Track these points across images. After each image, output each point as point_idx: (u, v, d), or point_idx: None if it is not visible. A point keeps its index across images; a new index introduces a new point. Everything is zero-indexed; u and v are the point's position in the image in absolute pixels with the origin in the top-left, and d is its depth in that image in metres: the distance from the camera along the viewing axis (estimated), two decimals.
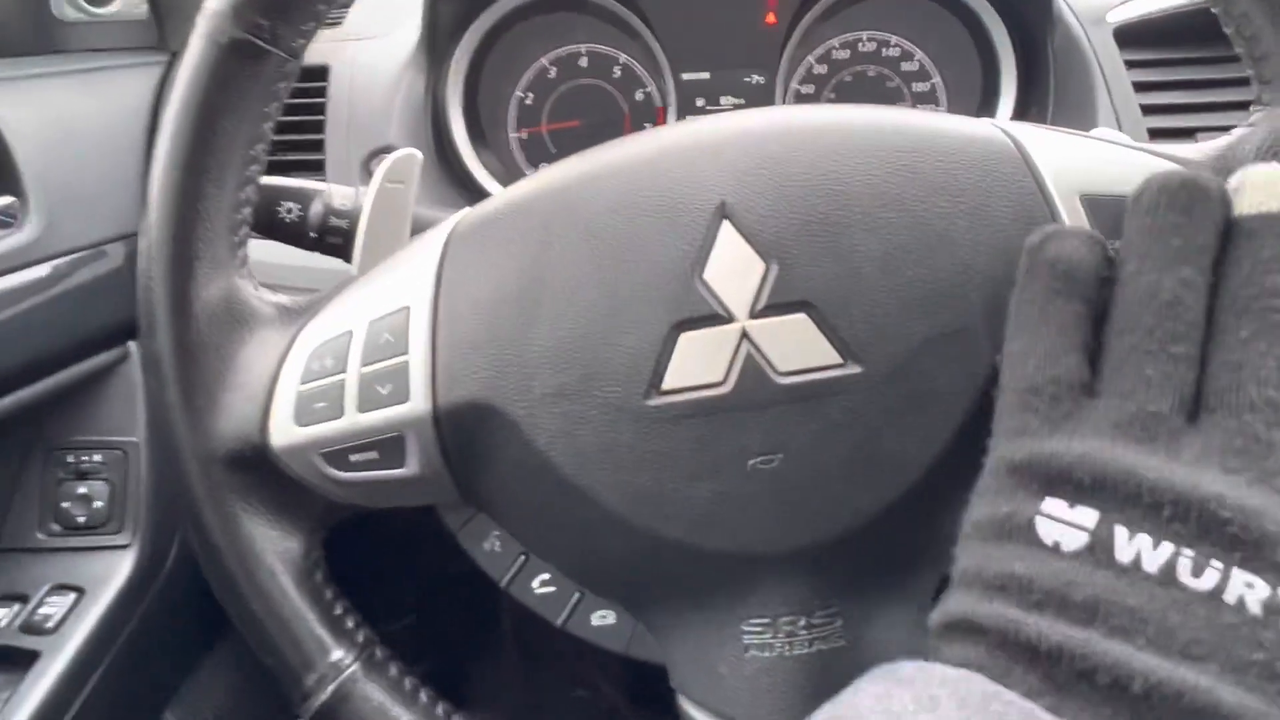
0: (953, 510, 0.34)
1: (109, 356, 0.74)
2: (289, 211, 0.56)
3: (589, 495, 0.38)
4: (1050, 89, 0.73)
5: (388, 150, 0.73)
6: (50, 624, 0.67)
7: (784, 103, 0.84)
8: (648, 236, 0.38)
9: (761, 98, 0.86)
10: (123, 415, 0.74)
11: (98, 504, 0.72)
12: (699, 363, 0.37)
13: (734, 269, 0.37)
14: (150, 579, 0.74)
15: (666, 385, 0.37)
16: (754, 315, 0.37)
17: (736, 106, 0.86)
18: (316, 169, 0.75)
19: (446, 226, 0.42)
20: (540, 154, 0.86)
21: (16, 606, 0.68)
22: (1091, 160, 0.38)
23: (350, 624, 0.44)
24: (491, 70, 0.83)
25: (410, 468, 0.40)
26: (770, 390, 0.37)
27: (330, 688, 0.42)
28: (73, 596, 0.69)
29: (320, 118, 0.76)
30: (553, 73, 0.85)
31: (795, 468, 0.37)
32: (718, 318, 0.37)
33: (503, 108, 0.85)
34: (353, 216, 0.57)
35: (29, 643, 0.66)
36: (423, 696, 0.44)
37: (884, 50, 0.84)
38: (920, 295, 0.36)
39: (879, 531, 0.38)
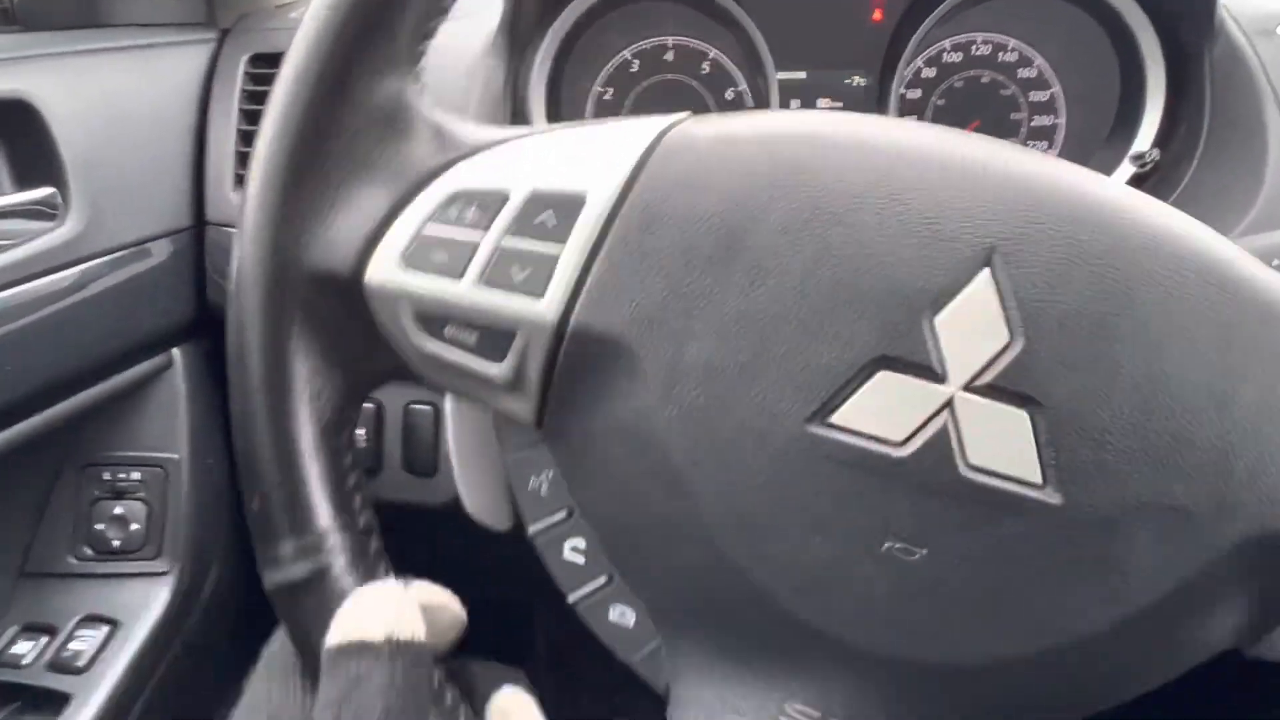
0: (1073, 692, 0.30)
1: (151, 365, 0.69)
2: None
3: (691, 496, 0.33)
4: (1206, 107, 0.66)
5: None
6: (81, 662, 0.61)
7: (889, 108, 0.77)
8: (892, 246, 0.31)
9: (862, 101, 0.79)
10: (164, 429, 0.68)
11: (134, 526, 0.67)
12: (885, 411, 0.31)
13: (973, 327, 0.31)
14: (188, 609, 0.68)
15: (838, 418, 0.32)
16: (970, 388, 0.31)
17: (834, 109, 0.79)
18: None
19: (659, 122, 0.35)
20: None
21: (44, 640, 0.63)
22: None
23: (356, 503, 0.37)
24: (574, 63, 0.77)
25: (505, 368, 0.34)
26: (949, 476, 0.31)
27: (308, 564, 0.35)
28: (105, 629, 0.64)
29: None
30: (635, 66, 0.79)
31: (934, 571, 0.32)
32: (930, 371, 0.31)
33: (580, 102, 0.79)
34: None
35: (58, 683, 0.60)
36: None
37: (1000, 55, 0.77)
38: (1163, 451, 0.30)
39: (984, 677, 0.33)
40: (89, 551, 0.67)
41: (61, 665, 0.61)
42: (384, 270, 0.35)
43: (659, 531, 0.34)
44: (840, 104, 0.79)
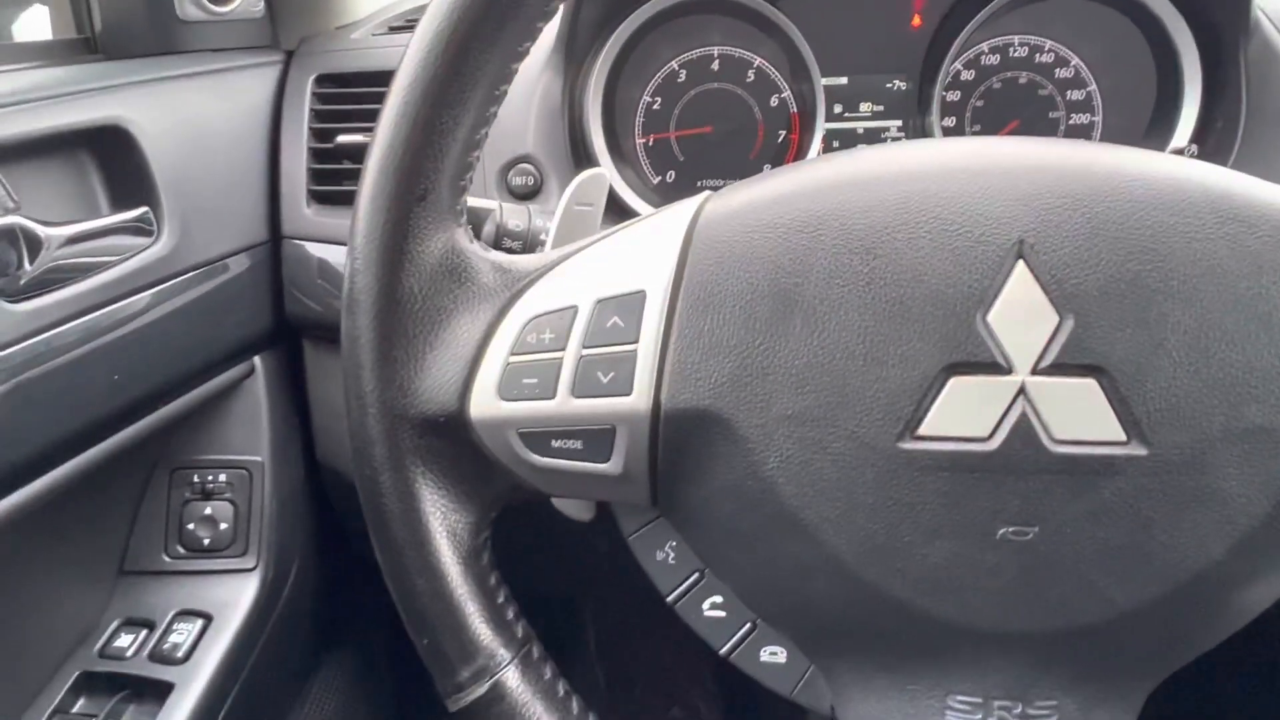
0: (1206, 623, 0.32)
1: (234, 373, 0.72)
2: None
3: (811, 532, 0.36)
4: (1243, 103, 0.68)
5: (525, 160, 0.72)
6: (180, 653, 0.65)
7: (930, 110, 0.79)
8: (930, 262, 0.34)
9: (903, 104, 0.81)
10: (247, 434, 0.72)
11: (223, 525, 0.70)
12: (966, 412, 0.34)
13: (1023, 316, 0.34)
14: (273, 603, 0.72)
15: (924, 430, 0.34)
16: (1037, 371, 0.34)
17: (876, 114, 0.82)
18: None
19: (690, 206, 0.39)
20: (667, 162, 0.82)
21: (144, 633, 0.66)
22: None
23: (510, 615, 0.41)
24: (626, 75, 0.80)
25: (613, 464, 0.38)
26: (1040, 456, 0.34)
27: (486, 684, 0.39)
28: (199, 623, 0.67)
29: None
30: (682, 76, 0.81)
31: (1050, 545, 0.34)
32: (996, 366, 0.34)
33: (630, 113, 0.81)
34: (526, 238, 0.55)
35: (161, 673, 0.64)
36: (574, 706, 0.42)
37: (1037, 56, 0.79)
38: (1227, 381, 0.33)
39: (1123, 629, 0.35)
40: (181, 550, 0.70)
41: (162, 657, 0.65)
42: (484, 405, 0.38)
43: (790, 572, 0.37)
44: (882, 107, 0.81)
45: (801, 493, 0.36)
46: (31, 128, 0.57)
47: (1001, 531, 0.34)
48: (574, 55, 0.75)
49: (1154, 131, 0.74)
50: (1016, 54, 0.79)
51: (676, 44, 0.80)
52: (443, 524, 0.39)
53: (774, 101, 0.81)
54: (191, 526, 0.70)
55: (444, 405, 0.38)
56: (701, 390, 0.36)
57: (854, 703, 0.39)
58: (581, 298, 0.38)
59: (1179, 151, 0.72)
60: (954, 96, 0.80)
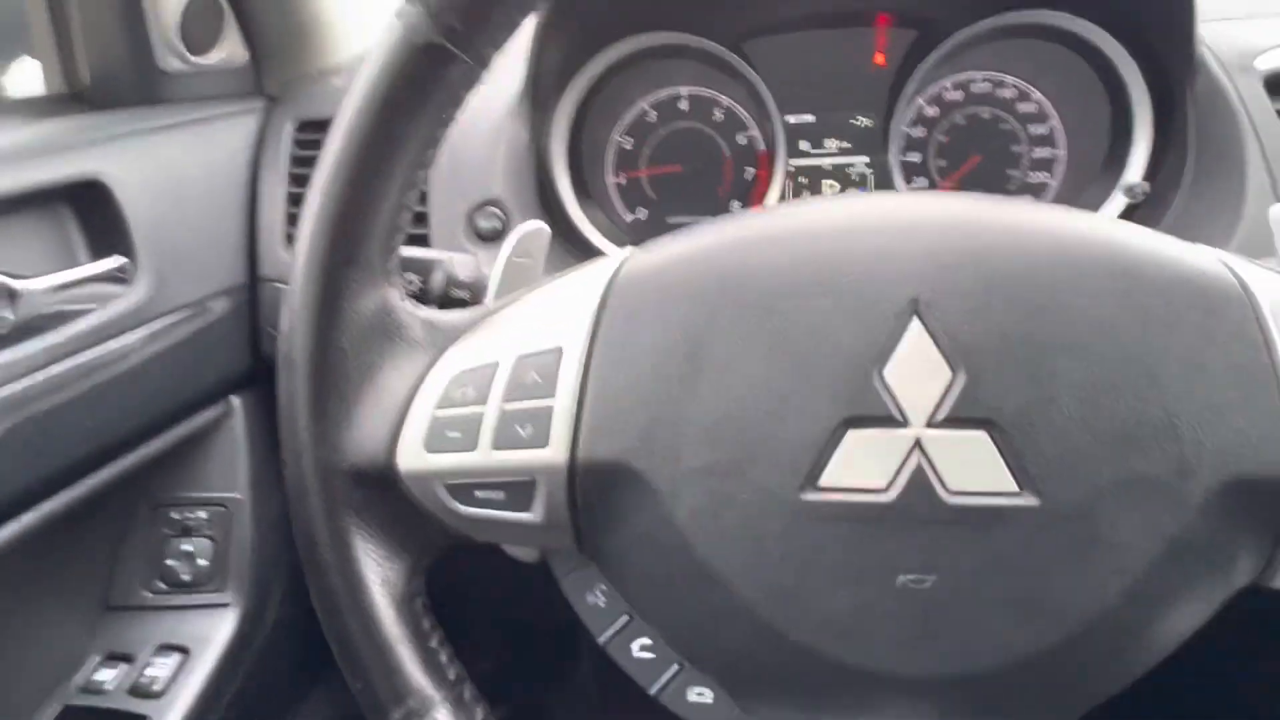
0: (1108, 667, 0.32)
1: (213, 413, 0.74)
2: (409, 283, 0.56)
3: (722, 581, 0.37)
4: (1191, 139, 0.69)
5: (492, 203, 0.73)
6: (157, 686, 0.67)
7: (894, 146, 0.80)
8: (827, 321, 0.35)
9: (869, 141, 0.83)
10: (225, 471, 0.74)
11: (202, 561, 0.72)
12: (864, 464, 0.35)
13: (918, 371, 0.35)
14: (251, 638, 0.73)
15: (825, 481, 0.35)
16: (931, 424, 0.35)
17: (843, 150, 0.83)
18: (419, 221, 0.74)
19: (608, 268, 0.40)
20: (638, 199, 0.84)
21: (124, 667, 0.68)
22: None
23: (443, 658, 0.42)
24: (593, 117, 0.82)
25: (535, 514, 0.39)
26: (936, 507, 0.35)
27: None
28: (178, 657, 0.69)
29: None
30: (652, 116, 0.83)
31: (948, 593, 0.35)
32: (892, 420, 0.35)
33: (600, 153, 0.83)
34: (473, 287, 0.56)
35: (138, 706, 0.66)
36: None
37: (999, 91, 0.80)
38: (1116, 435, 0.34)
39: (1023, 674, 0.36)
40: (162, 585, 0.72)
41: (140, 690, 0.66)
42: (412, 458, 0.39)
43: (707, 618, 0.38)
44: (848, 144, 0.83)
45: (712, 542, 0.36)
46: (12, 184, 0.59)
47: (901, 580, 0.35)
48: (539, 101, 0.76)
49: (1109, 167, 0.75)
50: (978, 89, 0.80)
51: (646, 86, 0.82)
52: (376, 572, 0.41)
53: (741, 140, 0.83)
54: (172, 562, 0.72)
55: (374, 458, 0.40)
56: (615, 444, 0.37)
57: None
58: (503, 354, 0.39)
59: (1131, 187, 0.73)
60: (919, 132, 0.81)
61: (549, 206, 0.78)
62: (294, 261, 0.40)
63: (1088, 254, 0.35)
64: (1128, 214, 0.74)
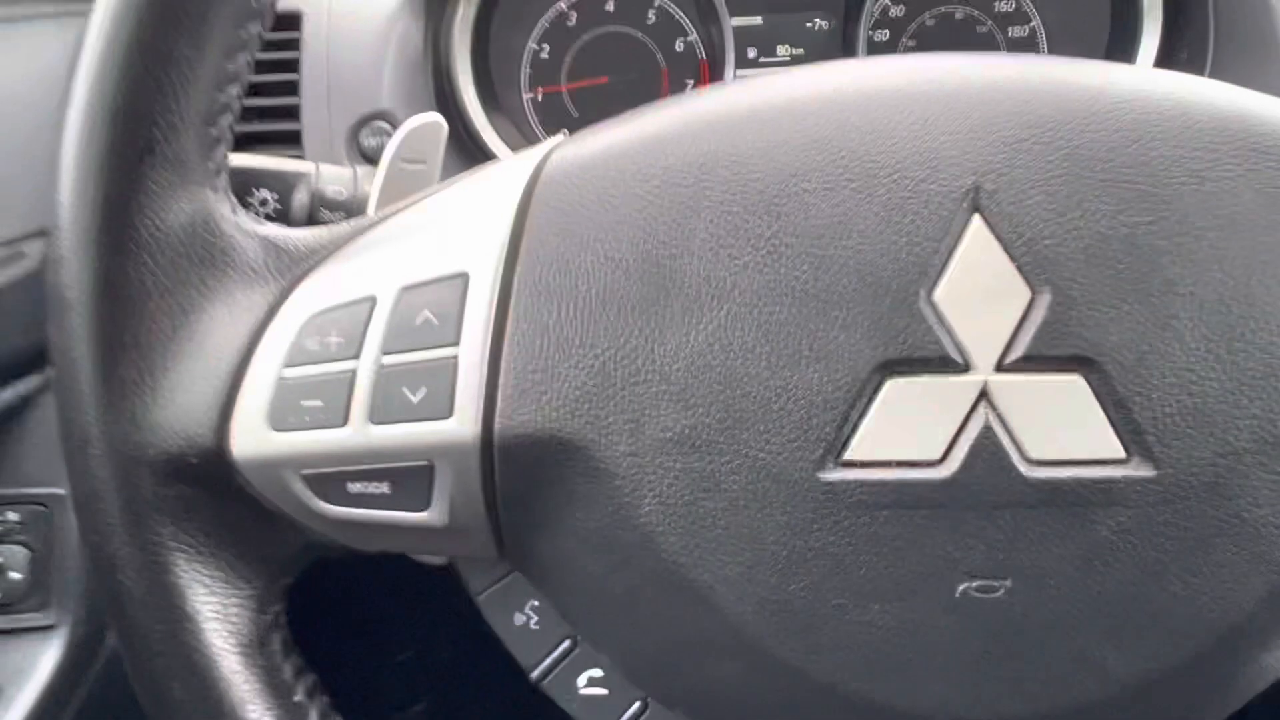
0: (1221, 692, 0.28)
1: (25, 387, 0.61)
2: (263, 203, 0.46)
3: (704, 595, 0.29)
4: (1210, 30, 0.62)
5: (380, 117, 0.63)
6: None
7: (856, 51, 0.74)
8: (854, 222, 0.28)
9: (825, 46, 0.75)
10: (43, 461, 0.61)
11: (14, 575, 0.59)
12: (909, 427, 0.28)
13: (982, 291, 0.28)
14: (83, 670, 0.61)
15: (854, 454, 0.28)
16: (1003, 368, 0.28)
17: (796, 57, 0.75)
18: (290, 141, 0.63)
19: (529, 161, 0.31)
20: (559, 118, 0.75)
21: None
22: None
23: (313, 715, 0.34)
24: (502, 18, 0.73)
25: (435, 513, 0.31)
26: (1011, 484, 0.28)
27: None
28: None
29: (294, 77, 0.64)
30: (572, 19, 0.74)
31: (1028, 603, 0.29)
32: (948, 363, 0.28)
33: (514, 63, 0.74)
34: (350, 208, 0.48)
35: None
36: None
37: None
38: (1258, 373, 0.28)
39: (1120, 711, 0.30)
40: None
41: None
42: (251, 439, 0.31)
43: (681, 646, 0.31)
44: (801, 50, 0.75)
45: (689, 544, 0.29)
46: None
47: (962, 588, 0.29)
48: None
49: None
50: None
51: None
52: (206, 605, 0.32)
53: (679, 46, 0.75)
54: None
55: (193, 440, 0.31)
56: (548, 408, 0.29)
57: None
58: (382, 285, 0.31)
59: None
60: (882, 36, 0.75)
61: (450, 121, 0.68)
62: (60, 158, 0.30)
63: (1205, 126, 0.28)
64: None
